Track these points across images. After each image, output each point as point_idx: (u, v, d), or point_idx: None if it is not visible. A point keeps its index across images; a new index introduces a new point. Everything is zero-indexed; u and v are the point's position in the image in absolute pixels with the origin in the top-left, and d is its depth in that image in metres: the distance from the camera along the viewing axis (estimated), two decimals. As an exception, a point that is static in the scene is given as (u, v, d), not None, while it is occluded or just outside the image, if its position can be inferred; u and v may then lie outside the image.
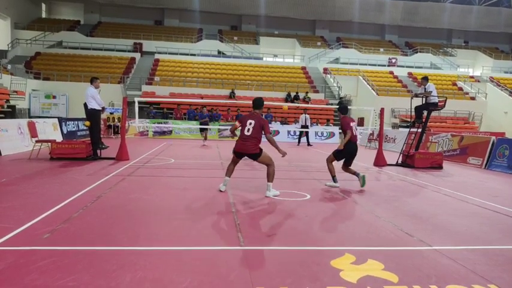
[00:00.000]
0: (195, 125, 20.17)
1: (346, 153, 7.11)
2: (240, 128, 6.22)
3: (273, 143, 6.14)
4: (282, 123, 21.96)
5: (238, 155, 6.28)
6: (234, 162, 6.42)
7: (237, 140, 6.22)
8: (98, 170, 8.13)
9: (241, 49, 33.09)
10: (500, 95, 29.08)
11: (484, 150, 11.46)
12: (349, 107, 22.37)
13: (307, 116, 17.93)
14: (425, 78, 10.69)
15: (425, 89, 10.50)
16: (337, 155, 7.16)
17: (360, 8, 36.42)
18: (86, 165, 8.65)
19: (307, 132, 17.96)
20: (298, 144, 17.93)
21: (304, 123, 17.72)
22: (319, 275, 3.13)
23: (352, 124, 7.09)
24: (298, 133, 19.16)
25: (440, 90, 22.12)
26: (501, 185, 8.59)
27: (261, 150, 6.16)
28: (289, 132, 20.65)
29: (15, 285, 2.74)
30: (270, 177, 6.16)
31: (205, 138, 16.38)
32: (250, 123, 6.08)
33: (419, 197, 6.78)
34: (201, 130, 16.82)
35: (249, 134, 6.05)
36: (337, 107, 8.10)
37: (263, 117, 6.70)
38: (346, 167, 7.28)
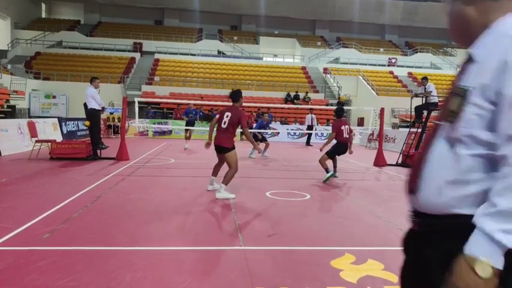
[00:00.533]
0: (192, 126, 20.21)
1: (338, 152, 7.79)
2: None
3: (248, 137, 6.13)
4: (282, 123, 21.95)
5: (216, 148, 6.10)
6: (219, 160, 6.31)
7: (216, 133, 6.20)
8: (98, 170, 8.13)
9: (241, 49, 33.08)
10: (500, 95, 29.06)
11: (484, 150, 11.44)
12: (348, 107, 22.23)
13: (314, 116, 17.99)
14: (425, 78, 10.71)
15: (425, 88, 10.51)
16: (330, 154, 7.75)
17: (360, 8, 36.39)
18: (86, 165, 8.65)
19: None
20: (306, 145, 18.02)
21: (310, 123, 17.79)
22: (319, 275, 3.13)
23: (342, 127, 7.69)
24: (298, 133, 19.17)
25: (440, 90, 22.09)
26: (501, 185, 8.58)
27: (232, 147, 5.98)
28: (289, 132, 20.64)
29: (15, 285, 2.74)
30: (225, 179, 5.87)
31: (188, 138, 14.07)
32: (227, 116, 6.01)
33: (419, 197, 6.77)
34: (186, 130, 14.18)
35: (224, 126, 5.99)
36: (336, 107, 8.41)
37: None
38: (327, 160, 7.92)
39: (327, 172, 7.54)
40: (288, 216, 4.99)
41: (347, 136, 7.74)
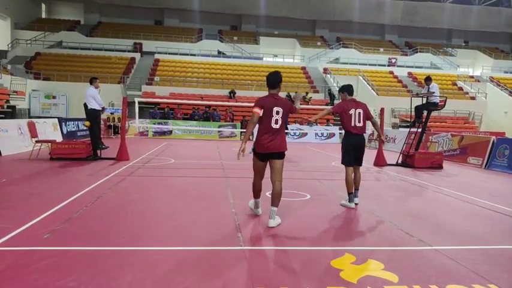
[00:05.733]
0: (193, 126, 20.23)
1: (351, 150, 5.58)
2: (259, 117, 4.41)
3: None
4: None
5: (265, 156, 4.52)
6: (262, 172, 4.67)
7: (260, 137, 4.46)
8: (98, 170, 8.12)
9: (241, 49, 33.08)
10: (500, 95, 29.08)
11: (484, 150, 11.45)
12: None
13: None
14: (429, 79, 10.58)
15: (428, 88, 10.45)
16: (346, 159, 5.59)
17: (360, 8, 36.38)
18: (86, 166, 8.65)
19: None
20: None
21: None
22: (319, 275, 3.13)
23: (351, 111, 5.61)
24: (298, 133, 19.24)
25: (441, 90, 22.11)
26: (501, 184, 8.58)
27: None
28: (288, 132, 20.64)
29: (16, 286, 2.74)
30: (277, 200, 4.51)
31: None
32: (278, 112, 4.38)
33: (420, 197, 6.77)
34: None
35: (277, 126, 4.41)
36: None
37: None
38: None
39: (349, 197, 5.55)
40: (288, 216, 4.99)
41: (360, 125, 5.47)
